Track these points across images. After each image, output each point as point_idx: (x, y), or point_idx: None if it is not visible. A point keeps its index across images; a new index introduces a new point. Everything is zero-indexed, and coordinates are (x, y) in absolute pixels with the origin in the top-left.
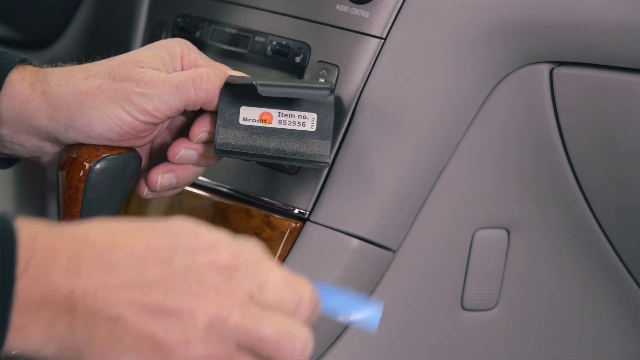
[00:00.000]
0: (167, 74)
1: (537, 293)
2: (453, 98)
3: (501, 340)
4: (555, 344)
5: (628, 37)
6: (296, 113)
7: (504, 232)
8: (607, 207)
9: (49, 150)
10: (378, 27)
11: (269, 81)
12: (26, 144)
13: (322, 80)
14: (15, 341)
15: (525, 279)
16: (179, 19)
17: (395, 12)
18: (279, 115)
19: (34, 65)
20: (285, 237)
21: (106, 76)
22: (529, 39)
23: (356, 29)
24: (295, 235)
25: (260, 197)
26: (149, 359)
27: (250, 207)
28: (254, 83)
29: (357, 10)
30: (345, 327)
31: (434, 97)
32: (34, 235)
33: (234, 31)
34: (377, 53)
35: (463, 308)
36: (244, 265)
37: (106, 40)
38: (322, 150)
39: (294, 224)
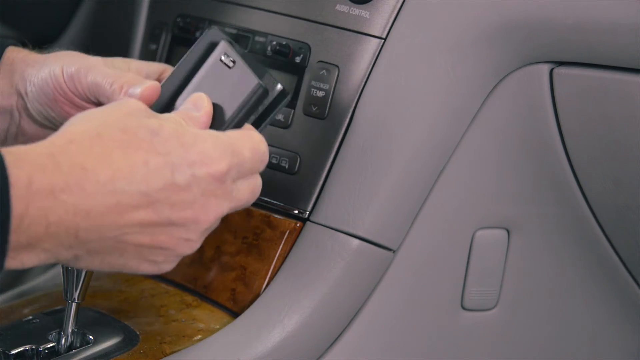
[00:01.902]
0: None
1: (536, 293)
2: (453, 98)
3: (501, 340)
4: (555, 344)
5: (628, 37)
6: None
7: (504, 232)
8: (607, 207)
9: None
10: (378, 27)
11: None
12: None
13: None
14: (10, 265)
15: (525, 279)
16: (179, 19)
17: (395, 12)
18: None
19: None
20: (285, 237)
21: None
22: (529, 39)
23: (356, 29)
24: (295, 235)
25: (260, 197)
26: (148, 258)
27: (250, 207)
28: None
29: (357, 10)
30: (345, 327)
31: (434, 97)
32: (29, 177)
33: (234, 31)
34: (377, 53)
35: (463, 308)
36: (233, 165)
37: (106, 40)
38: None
39: (294, 224)
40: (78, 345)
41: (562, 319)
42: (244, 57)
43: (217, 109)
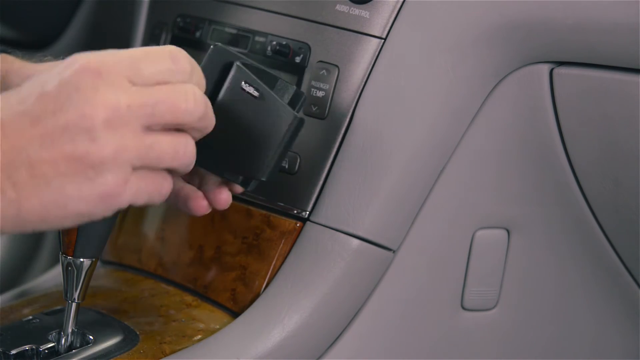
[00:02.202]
0: None
1: (537, 293)
2: (453, 98)
3: (501, 340)
4: (555, 344)
5: (628, 37)
6: None
7: (504, 232)
8: (607, 207)
9: None
10: (378, 27)
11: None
12: None
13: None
14: None
15: (525, 279)
16: (179, 19)
17: (395, 12)
18: None
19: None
20: (285, 237)
21: None
22: (529, 39)
23: (356, 29)
24: (295, 235)
25: (260, 197)
26: (77, 175)
27: (250, 207)
28: None
29: (357, 10)
30: (345, 327)
31: (434, 97)
32: None
33: (234, 31)
34: (377, 53)
35: (463, 308)
36: (110, 66)
37: (106, 41)
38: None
39: (294, 224)
40: (78, 345)
41: (562, 319)
42: (259, 74)
43: (250, 147)
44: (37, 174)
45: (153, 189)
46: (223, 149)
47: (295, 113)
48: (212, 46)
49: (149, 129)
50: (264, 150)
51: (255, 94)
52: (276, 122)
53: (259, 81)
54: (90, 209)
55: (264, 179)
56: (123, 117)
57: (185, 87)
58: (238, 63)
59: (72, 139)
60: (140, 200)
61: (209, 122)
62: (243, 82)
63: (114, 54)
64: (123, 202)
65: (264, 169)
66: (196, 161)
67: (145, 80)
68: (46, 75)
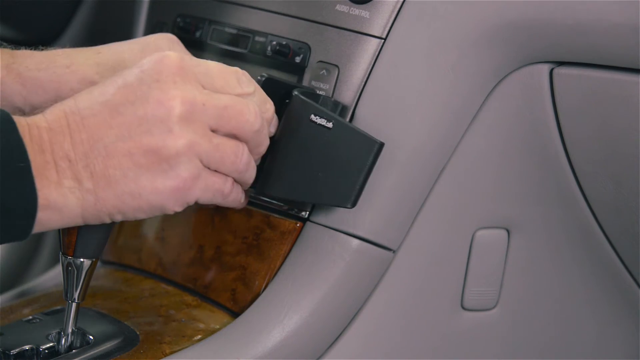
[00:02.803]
0: None
1: (537, 293)
2: (453, 98)
3: (501, 340)
4: (555, 344)
5: (628, 37)
6: None
7: (504, 232)
8: (607, 207)
9: None
10: (378, 27)
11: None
12: None
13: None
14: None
15: (525, 279)
16: (179, 19)
17: (395, 12)
18: None
19: (11, 48)
20: (285, 237)
21: (92, 73)
22: (529, 39)
23: (356, 29)
24: (295, 235)
25: (260, 197)
26: (151, 167)
27: (250, 207)
28: None
29: (357, 10)
30: (345, 327)
31: (434, 97)
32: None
33: (234, 31)
34: (377, 53)
35: (463, 308)
36: (186, 56)
37: (106, 41)
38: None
39: (293, 224)
40: (78, 345)
41: (562, 319)
42: (314, 97)
43: (332, 176)
44: (114, 165)
45: (217, 188)
46: (298, 178)
47: (377, 140)
48: (262, 79)
49: (215, 130)
50: (350, 179)
51: (329, 125)
52: (358, 151)
53: (329, 112)
54: (163, 201)
55: (351, 207)
56: (197, 113)
57: (247, 101)
58: (299, 94)
59: (148, 130)
60: (206, 197)
61: (264, 139)
62: (312, 115)
63: (192, 58)
64: (193, 197)
65: (352, 198)
66: (269, 190)
67: (216, 89)
68: (128, 70)
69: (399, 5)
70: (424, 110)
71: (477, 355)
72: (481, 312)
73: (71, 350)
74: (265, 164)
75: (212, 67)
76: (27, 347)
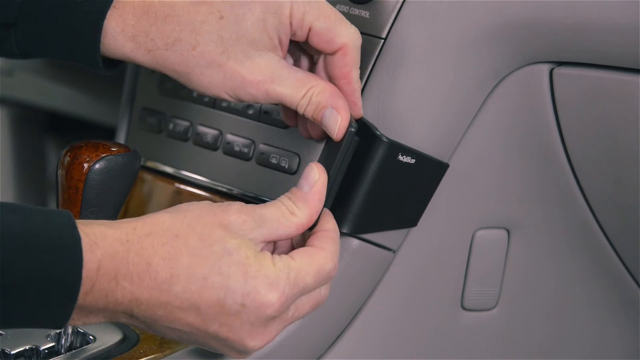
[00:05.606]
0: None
1: (537, 293)
2: (453, 98)
3: (501, 340)
4: (555, 344)
5: (628, 37)
6: None
7: (504, 232)
8: (607, 207)
9: None
10: (378, 27)
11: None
12: None
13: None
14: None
15: (525, 279)
16: None
17: (395, 12)
18: None
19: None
20: None
21: (219, 53)
22: (529, 39)
23: None
24: None
25: (260, 197)
26: (204, 343)
27: None
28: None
29: (357, 10)
30: (345, 327)
31: (434, 97)
32: (99, 261)
33: None
34: (377, 53)
35: (463, 308)
36: (290, 296)
37: None
38: None
39: None
40: (78, 345)
41: (562, 318)
42: (365, 129)
43: (404, 204)
44: (172, 331)
45: (305, 313)
46: (383, 212)
47: (446, 163)
48: (352, 131)
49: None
50: (419, 202)
51: (412, 161)
52: (429, 176)
53: (411, 148)
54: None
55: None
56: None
57: (322, 293)
58: (381, 136)
59: (218, 341)
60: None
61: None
62: (400, 155)
63: (292, 285)
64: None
65: (417, 219)
66: (361, 230)
67: (306, 289)
68: (234, 283)
69: (399, 5)
70: (424, 110)
71: (477, 355)
72: (481, 312)
73: (71, 350)
74: (356, 205)
75: (310, 285)
76: (27, 347)
